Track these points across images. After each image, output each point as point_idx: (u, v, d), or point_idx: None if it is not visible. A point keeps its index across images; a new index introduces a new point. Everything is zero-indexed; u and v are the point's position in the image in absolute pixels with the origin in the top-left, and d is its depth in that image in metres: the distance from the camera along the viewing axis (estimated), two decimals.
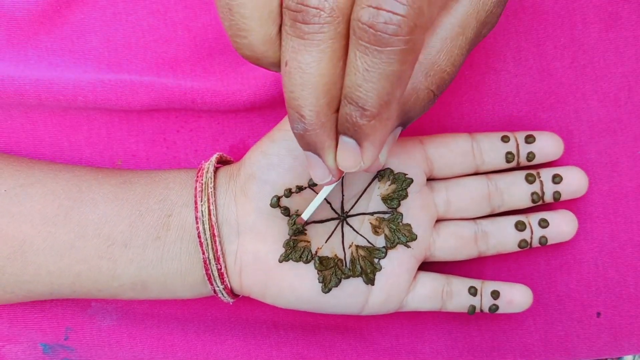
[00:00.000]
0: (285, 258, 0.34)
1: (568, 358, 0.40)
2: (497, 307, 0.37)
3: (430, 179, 0.37)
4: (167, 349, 0.39)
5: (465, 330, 0.40)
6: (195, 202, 0.33)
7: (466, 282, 0.37)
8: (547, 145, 0.37)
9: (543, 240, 0.37)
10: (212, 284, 0.34)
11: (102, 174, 0.35)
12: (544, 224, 0.37)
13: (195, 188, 0.33)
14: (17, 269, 0.33)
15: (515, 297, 0.37)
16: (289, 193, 0.33)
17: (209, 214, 0.33)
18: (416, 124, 0.38)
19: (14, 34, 0.36)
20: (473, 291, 0.36)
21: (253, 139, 0.38)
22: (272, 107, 0.38)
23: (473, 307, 0.36)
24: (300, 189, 0.33)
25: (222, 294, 0.34)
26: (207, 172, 0.34)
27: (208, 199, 0.33)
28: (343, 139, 0.26)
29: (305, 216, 0.33)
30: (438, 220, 0.37)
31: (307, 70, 0.24)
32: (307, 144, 0.26)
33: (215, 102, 0.37)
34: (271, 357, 0.40)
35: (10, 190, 0.33)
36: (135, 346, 0.39)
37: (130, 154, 0.38)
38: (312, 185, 0.33)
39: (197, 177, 0.34)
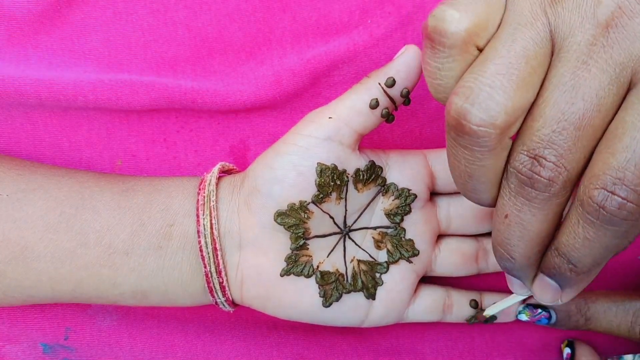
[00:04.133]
0: (286, 272, 0.33)
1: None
2: (495, 318, 0.37)
3: (433, 193, 0.37)
4: (167, 349, 0.39)
5: (465, 331, 0.40)
6: (197, 215, 0.33)
7: (466, 295, 0.37)
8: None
9: None
10: (213, 296, 0.34)
11: (104, 180, 0.35)
12: None
13: (198, 201, 0.33)
14: (18, 274, 0.33)
15: (512, 308, 0.37)
16: (291, 207, 0.33)
17: (211, 228, 0.33)
18: (417, 123, 0.38)
19: (14, 34, 0.36)
20: (474, 304, 0.37)
21: (253, 139, 0.38)
22: (272, 107, 0.38)
23: (473, 318, 0.37)
24: (303, 204, 0.33)
25: (224, 305, 0.34)
26: (209, 184, 0.34)
27: (210, 213, 0.33)
28: (545, 279, 0.28)
29: (489, 313, 0.36)
30: (440, 236, 0.37)
31: (527, 227, 0.26)
32: (515, 275, 0.29)
33: (215, 102, 0.37)
34: (271, 357, 0.40)
35: (13, 195, 0.33)
36: (135, 346, 0.39)
37: (130, 154, 0.38)
38: (315, 201, 0.33)
39: (200, 188, 0.34)
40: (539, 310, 0.37)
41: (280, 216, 0.33)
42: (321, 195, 0.33)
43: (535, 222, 0.26)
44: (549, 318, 0.37)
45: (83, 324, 0.39)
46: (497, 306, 0.36)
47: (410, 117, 0.38)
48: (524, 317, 0.38)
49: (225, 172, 0.36)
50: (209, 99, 0.37)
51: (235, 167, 0.36)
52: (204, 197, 0.33)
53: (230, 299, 0.34)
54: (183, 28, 0.37)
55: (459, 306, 0.37)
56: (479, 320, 0.37)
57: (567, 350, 0.39)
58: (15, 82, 0.36)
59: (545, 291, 0.29)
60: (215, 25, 0.37)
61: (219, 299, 0.34)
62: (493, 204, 0.28)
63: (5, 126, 0.37)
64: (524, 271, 0.28)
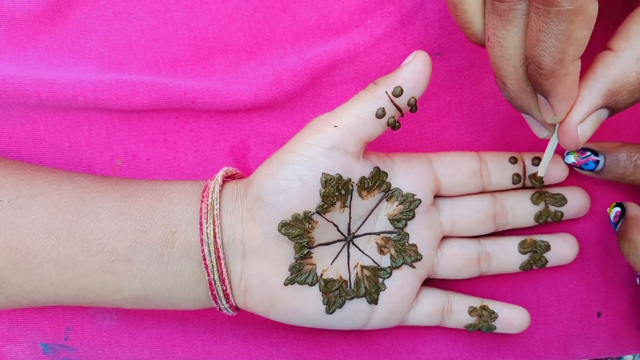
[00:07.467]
0: (290, 281, 0.33)
1: (568, 358, 0.40)
2: (495, 327, 0.38)
3: (436, 196, 0.37)
4: (167, 349, 0.39)
5: (466, 331, 0.40)
6: (201, 224, 0.33)
7: (466, 301, 0.38)
8: (553, 167, 0.37)
9: (543, 261, 0.38)
10: (217, 303, 0.34)
11: (106, 184, 0.35)
12: (546, 247, 0.38)
13: (201, 209, 0.33)
14: (20, 279, 0.33)
15: (514, 320, 0.37)
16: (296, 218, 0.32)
17: (215, 237, 0.32)
18: (417, 123, 0.38)
19: (15, 34, 0.36)
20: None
21: (253, 139, 0.38)
22: (272, 107, 0.38)
23: (472, 326, 0.37)
24: (307, 214, 0.32)
25: (227, 310, 0.34)
26: (212, 192, 0.33)
27: (214, 221, 0.33)
28: (538, 96, 0.30)
29: (541, 172, 0.35)
30: (442, 238, 0.37)
31: (503, 44, 0.28)
32: (518, 107, 0.31)
33: (215, 102, 0.37)
34: (271, 357, 0.40)
35: (14, 201, 0.33)
36: (135, 346, 0.39)
37: (130, 154, 0.38)
38: (320, 211, 0.33)
39: (203, 196, 0.33)
40: (588, 153, 0.36)
41: (284, 227, 0.32)
42: (326, 206, 0.32)
43: (507, 36, 0.28)
44: (597, 162, 0.36)
45: (83, 324, 0.39)
46: (542, 164, 0.35)
47: (410, 117, 0.38)
48: (571, 159, 0.37)
49: (228, 177, 0.36)
50: (209, 99, 0.37)
51: (238, 172, 0.36)
52: (207, 205, 0.33)
53: (234, 305, 0.34)
54: (183, 28, 0.37)
55: (458, 312, 0.37)
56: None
57: (615, 209, 0.37)
58: (15, 82, 0.36)
59: (543, 109, 0.30)
60: (215, 25, 0.37)
61: (223, 305, 0.34)
62: (483, 37, 0.30)
63: (5, 126, 0.37)
64: (520, 96, 0.30)
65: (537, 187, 0.38)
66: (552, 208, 0.38)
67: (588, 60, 0.30)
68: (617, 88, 0.29)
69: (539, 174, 0.36)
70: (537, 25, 0.26)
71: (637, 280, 0.38)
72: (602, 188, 0.39)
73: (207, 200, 0.33)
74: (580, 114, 0.29)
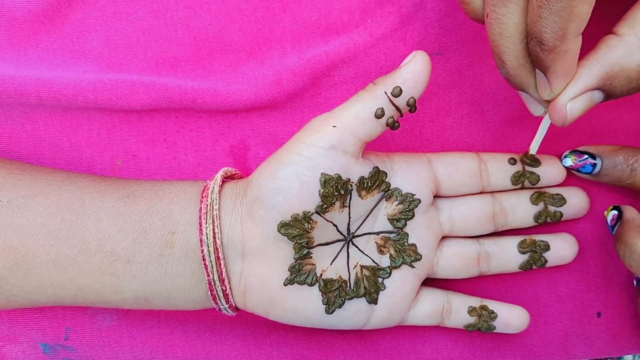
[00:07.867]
0: (290, 282, 0.33)
1: (568, 358, 0.40)
2: (494, 327, 0.38)
3: (435, 196, 0.37)
4: (167, 349, 0.39)
5: (465, 331, 0.40)
6: (200, 224, 0.33)
7: (466, 301, 0.38)
8: (552, 169, 0.38)
9: (543, 261, 0.38)
10: (217, 304, 0.34)
11: (105, 184, 0.34)
12: (545, 247, 0.38)
13: (200, 209, 0.33)
14: (20, 280, 0.33)
15: (513, 320, 0.37)
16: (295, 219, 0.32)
17: (214, 237, 0.32)
18: (417, 123, 0.38)
19: (15, 34, 0.36)
20: (472, 310, 0.37)
21: (253, 139, 0.38)
22: (272, 107, 0.38)
23: (471, 326, 0.37)
24: (306, 214, 0.32)
25: (227, 310, 0.34)
26: (212, 192, 0.33)
27: (213, 221, 0.32)
28: (537, 72, 0.30)
29: (533, 150, 0.36)
30: (442, 238, 0.37)
31: (503, 20, 0.29)
32: (515, 84, 0.31)
33: (215, 102, 0.37)
34: (271, 357, 0.40)
35: (13, 201, 0.33)
36: (135, 346, 0.39)
37: (130, 154, 0.38)
38: (319, 211, 0.33)
39: (202, 196, 0.33)
40: (585, 156, 0.37)
41: (283, 227, 0.32)
42: (325, 206, 0.32)
43: (507, 12, 0.28)
44: (594, 165, 0.37)
45: (83, 324, 0.39)
46: (535, 142, 0.36)
47: (410, 117, 0.38)
48: (569, 162, 0.37)
49: (227, 177, 0.35)
50: (209, 99, 0.37)
51: (237, 172, 0.36)
52: (207, 205, 0.33)
53: (233, 305, 0.34)
54: (183, 28, 0.37)
55: (457, 312, 0.37)
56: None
57: (612, 213, 0.37)
58: (15, 82, 0.36)
59: (540, 85, 0.30)
60: (215, 25, 0.37)
61: (222, 305, 0.34)
62: (482, 13, 0.30)
63: (5, 126, 0.37)
64: (519, 73, 0.30)
65: (532, 166, 0.37)
66: (552, 208, 0.38)
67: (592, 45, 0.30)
68: (616, 72, 0.29)
69: (531, 152, 0.36)
70: (539, 2, 0.27)
71: (635, 283, 0.38)
72: (602, 188, 0.39)
73: (207, 201, 0.33)
74: (572, 92, 0.30)
